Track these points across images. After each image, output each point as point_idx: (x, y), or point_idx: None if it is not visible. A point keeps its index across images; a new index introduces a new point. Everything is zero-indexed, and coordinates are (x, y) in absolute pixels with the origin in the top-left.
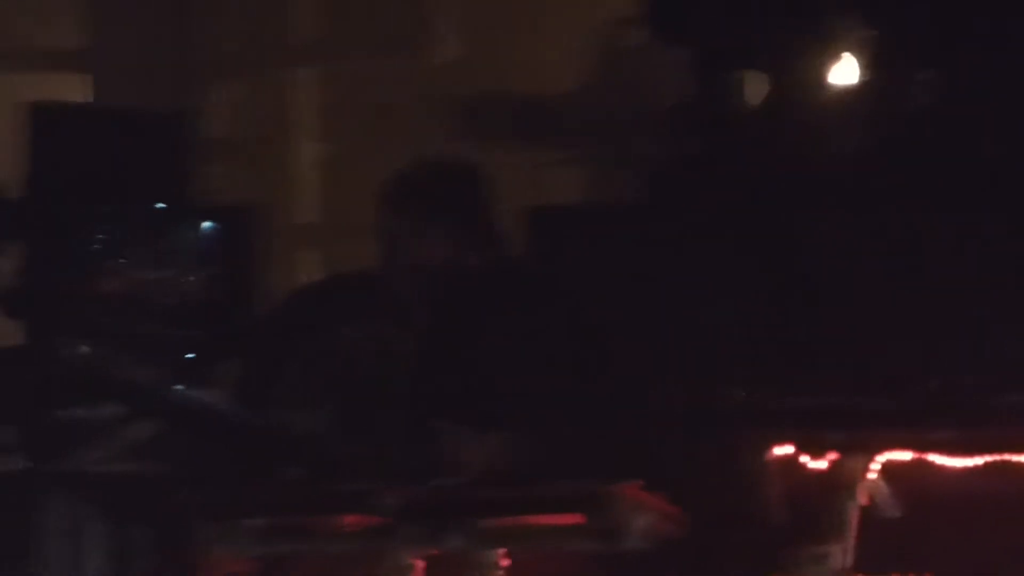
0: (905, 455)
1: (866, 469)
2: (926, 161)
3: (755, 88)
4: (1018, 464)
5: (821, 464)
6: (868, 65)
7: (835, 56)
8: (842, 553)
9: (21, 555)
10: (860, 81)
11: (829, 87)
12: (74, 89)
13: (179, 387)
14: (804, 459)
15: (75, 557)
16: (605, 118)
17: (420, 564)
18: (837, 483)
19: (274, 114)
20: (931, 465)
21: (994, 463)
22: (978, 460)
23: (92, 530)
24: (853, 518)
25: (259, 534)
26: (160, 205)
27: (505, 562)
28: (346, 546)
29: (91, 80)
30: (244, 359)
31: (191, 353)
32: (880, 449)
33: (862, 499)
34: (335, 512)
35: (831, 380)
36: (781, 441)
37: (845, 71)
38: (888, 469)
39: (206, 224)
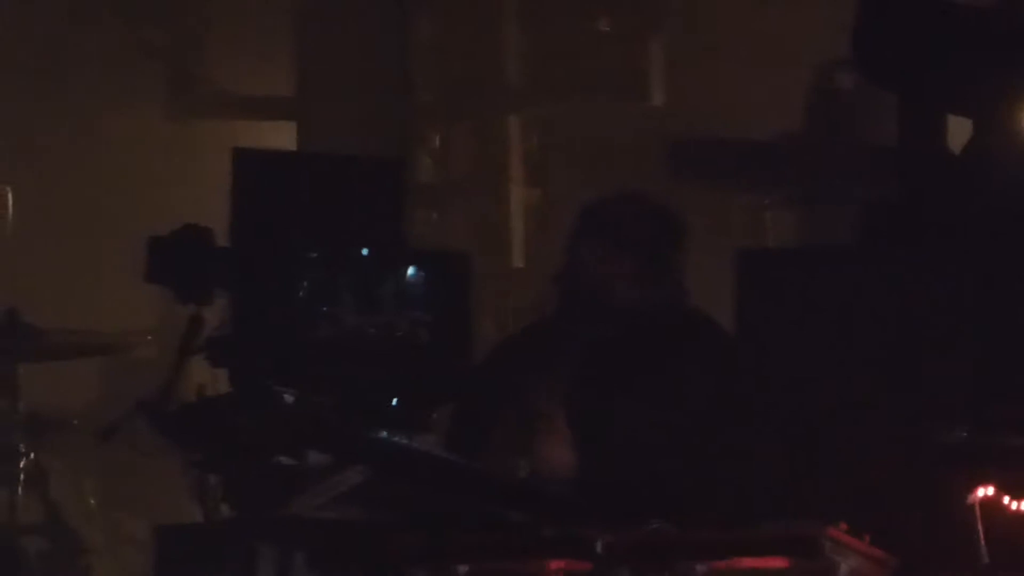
0: None
1: None
2: None
3: (958, 132)
4: None
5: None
6: None
7: None
8: None
9: None
10: None
11: None
12: (283, 136)
13: (387, 434)
14: (1007, 499)
15: None
16: (815, 161)
17: None
18: None
19: (487, 158)
20: None
21: None
22: None
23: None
24: None
25: None
26: (369, 251)
27: None
28: None
29: (300, 127)
30: (454, 406)
31: (399, 399)
32: None
33: None
34: (543, 557)
35: None
36: (985, 481)
37: None
38: None
39: (416, 270)
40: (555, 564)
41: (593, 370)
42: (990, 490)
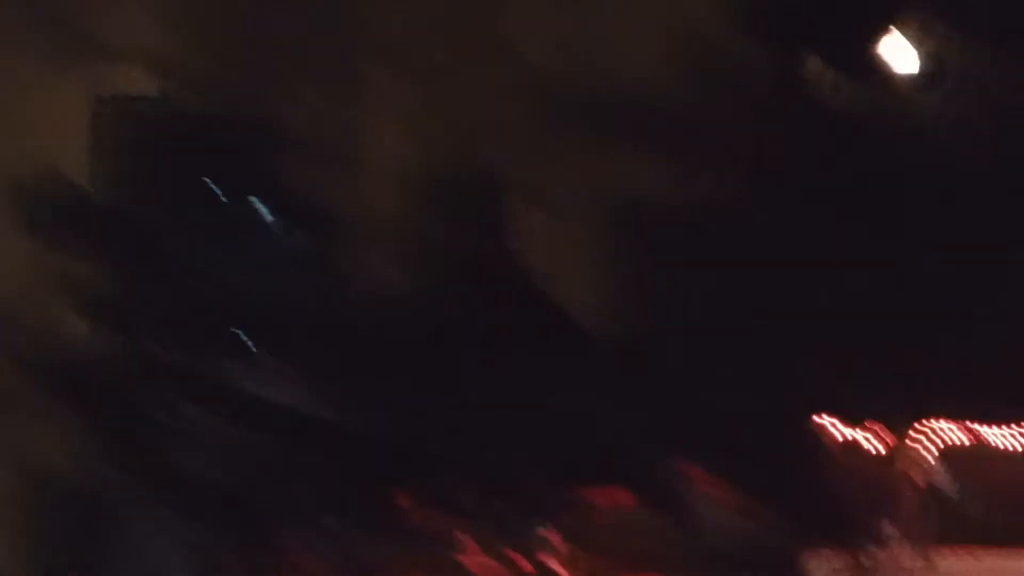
0: (964, 437)
1: (925, 449)
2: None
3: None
4: None
5: (880, 445)
6: (944, 66)
7: (916, 56)
8: (903, 531)
9: (108, 558)
10: (935, 78)
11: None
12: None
13: (270, 392)
14: (864, 442)
15: (161, 560)
16: (694, 115)
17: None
18: (896, 462)
19: (359, 118)
20: (989, 446)
21: None
22: None
23: (179, 532)
24: (913, 495)
25: (345, 535)
26: (249, 208)
27: (557, 539)
28: (421, 547)
29: (178, 81)
30: (340, 365)
31: (286, 359)
32: (940, 432)
33: (920, 478)
34: (414, 514)
35: (893, 365)
36: (842, 422)
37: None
38: (947, 451)
39: (303, 229)
40: (424, 518)
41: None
42: (848, 430)
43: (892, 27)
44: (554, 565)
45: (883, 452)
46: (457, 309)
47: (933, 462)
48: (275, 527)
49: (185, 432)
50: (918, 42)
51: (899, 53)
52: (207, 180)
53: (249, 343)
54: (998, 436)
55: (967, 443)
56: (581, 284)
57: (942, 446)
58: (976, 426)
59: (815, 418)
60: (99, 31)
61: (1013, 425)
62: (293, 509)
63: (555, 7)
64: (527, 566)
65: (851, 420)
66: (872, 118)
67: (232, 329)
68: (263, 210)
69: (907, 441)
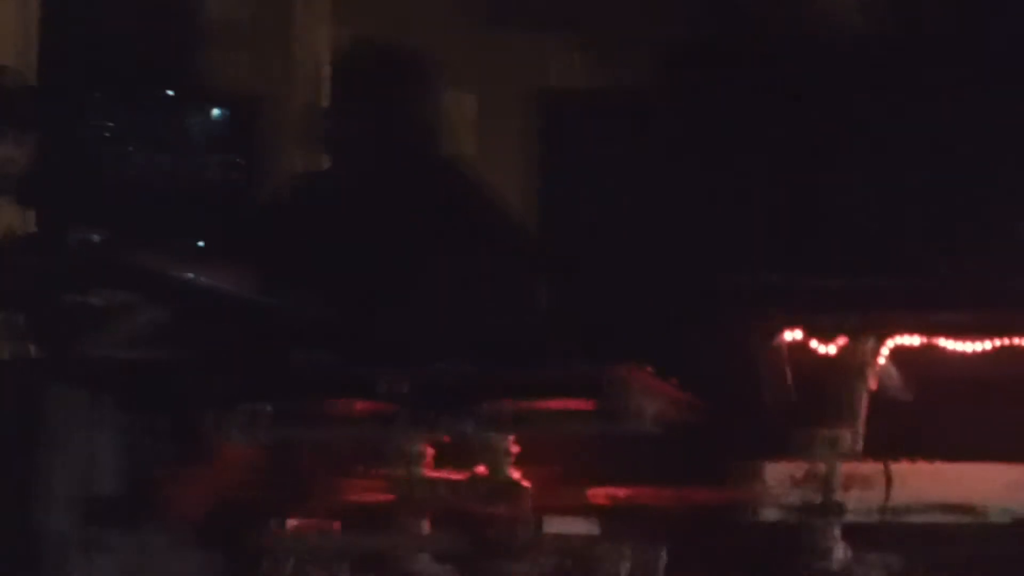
0: (914, 339)
1: (876, 353)
2: None
3: None
4: None
5: (831, 348)
6: None
7: None
8: (852, 437)
9: (31, 443)
10: None
11: None
12: None
13: (189, 273)
14: (814, 343)
15: (85, 445)
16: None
17: (430, 451)
18: (847, 367)
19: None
20: (940, 349)
21: (1002, 346)
22: (987, 344)
23: (102, 418)
24: (863, 402)
25: (269, 420)
26: (170, 91)
27: (515, 448)
28: (355, 432)
29: None
30: (252, 244)
31: (200, 239)
32: (890, 333)
33: (871, 383)
34: (344, 397)
35: (841, 263)
36: (791, 325)
37: None
38: (897, 353)
39: (216, 111)
40: (358, 405)
41: (361, 215)
42: (798, 333)
43: None
44: (510, 471)
45: (834, 355)
46: (375, 194)
47: (885, 364)
48: (206, 410)
49: (111, 314)
50: None
51: None
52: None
53: (169, 224)
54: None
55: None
56: (507, 172)
57: (893, 346)
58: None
59: (784, 332)
60: None
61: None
62: (222, 394)
63: None
64: (481, 470)
65: (820, 335)
66: None
67: (152, 210)
68: (178, 93)
69: (859, 345)
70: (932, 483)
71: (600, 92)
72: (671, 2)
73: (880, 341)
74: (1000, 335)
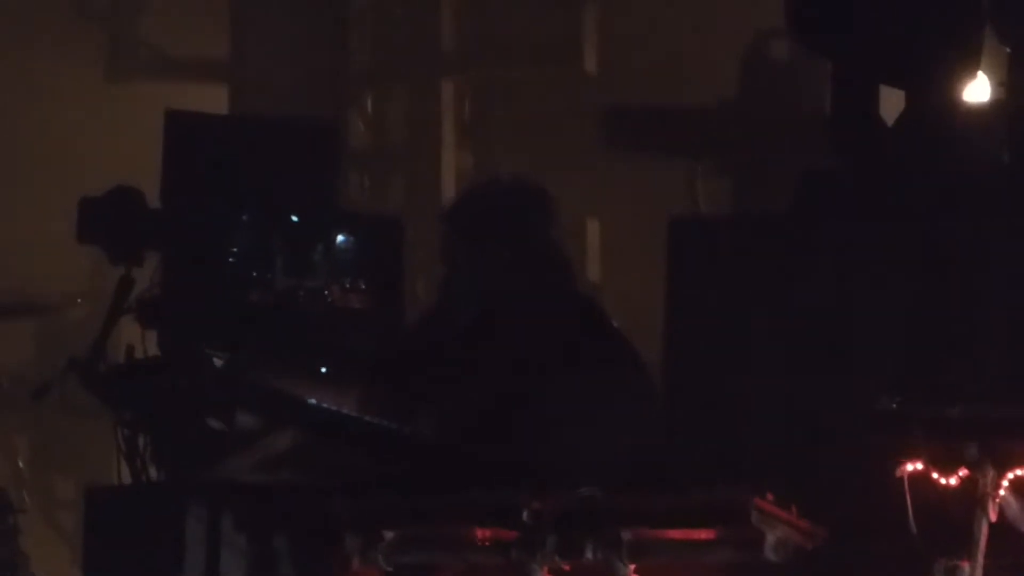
0: None
1: (997, 484)
2: None
3: (892, 102)
4: None
5: (952, 479)
6: (1001, 82)
7: (970, 73)
8: (972, 568)
9: (165, 565)
10: (993, 98)
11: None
12: (216, 98)
13: (317, 398)
14: (935, 474)
15: (215, 568)
16: (748, 129)
17: None
18: (968, 498)
19: (420, 123)
20: None
21: None
22: None
23: (232, 541)
24: (983, 533)
25: (396, 546)
26: (300, 215)
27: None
28: (482, 558)
29: (234, 90)
30: (387, 371)
31: (330, 365)
32: (1011, 464)
33: (992, 514)
34: (472, 524)
35: (963, 393)
36: (914, 455)
37: (978, 88)
38: (1017, 484)
39: (350, 236)
40: (482, 532)
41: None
42: (919, 464)
43: None
44: None
45: (954, 485)
46: (511, 323)
47: (1005, 494)
48: (335, 535)
49: (239, 438)
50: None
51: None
52: (267, 190)
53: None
54: None
55: None
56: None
57: (1012, 478)
58: None
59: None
60: (168, 45)
61: None
62: (353, 518)
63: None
64: None
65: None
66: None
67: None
68: (327, 222)
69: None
70: None
71: (731, 219)
72: (804, 129)
73: (1001, 472)
74: None
